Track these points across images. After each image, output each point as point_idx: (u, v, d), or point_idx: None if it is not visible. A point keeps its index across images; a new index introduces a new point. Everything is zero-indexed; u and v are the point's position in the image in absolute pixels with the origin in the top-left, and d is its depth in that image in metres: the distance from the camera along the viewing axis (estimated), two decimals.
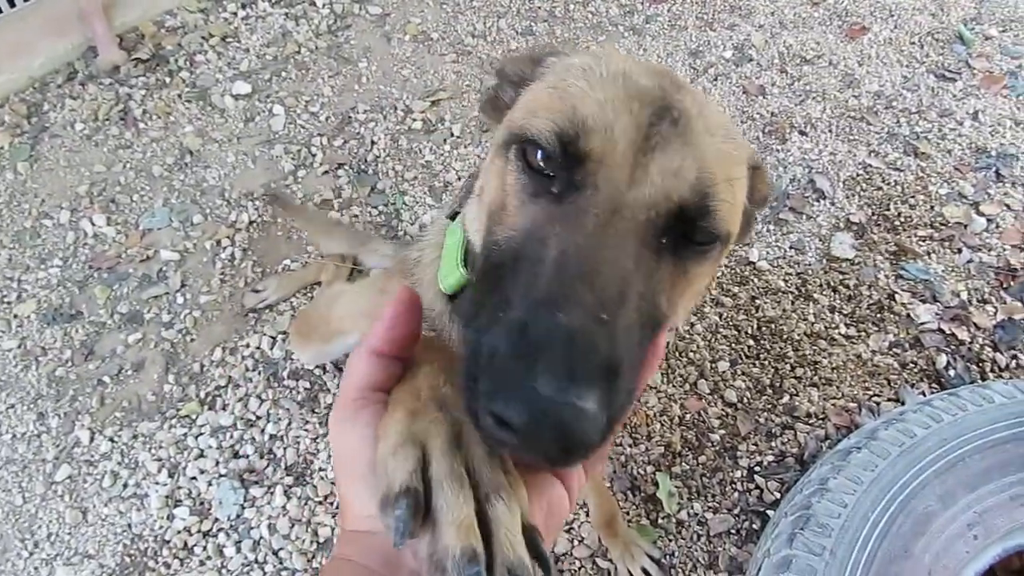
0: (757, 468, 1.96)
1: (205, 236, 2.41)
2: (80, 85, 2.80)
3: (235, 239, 2.40)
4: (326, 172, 2.57)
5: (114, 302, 2.28)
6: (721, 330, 2.20)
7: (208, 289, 2.30)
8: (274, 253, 2.38)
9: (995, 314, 2.19)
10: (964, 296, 2.23)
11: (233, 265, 2.35)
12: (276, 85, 2.83)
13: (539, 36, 3.00)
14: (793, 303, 2.25)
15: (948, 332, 2.16)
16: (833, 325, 2.20)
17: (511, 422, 0.46)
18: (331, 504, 1.93)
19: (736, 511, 1.90)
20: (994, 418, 1.52)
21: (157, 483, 1.97)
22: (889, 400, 2.05)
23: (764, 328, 2.20)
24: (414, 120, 2.72)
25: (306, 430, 2.04)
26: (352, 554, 0.50)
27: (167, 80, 2.83)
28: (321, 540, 1.88)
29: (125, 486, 1.98)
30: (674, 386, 2.09)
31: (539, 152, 0.66)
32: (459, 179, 2.54)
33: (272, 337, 2.20)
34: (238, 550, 1.87)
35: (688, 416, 2.04)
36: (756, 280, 2.30)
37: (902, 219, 2.42)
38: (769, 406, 2.06)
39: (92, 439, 2.05)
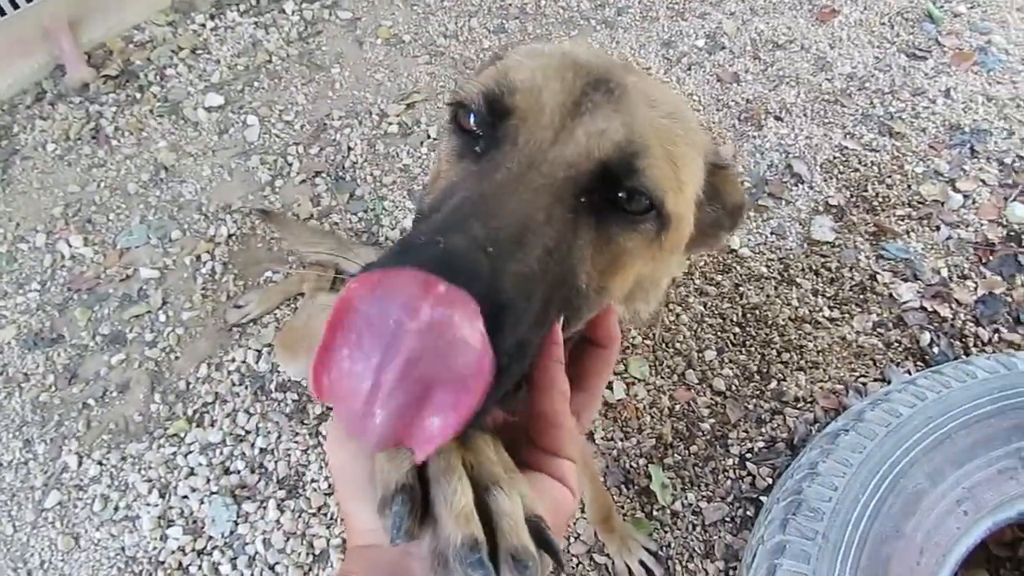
0: (748, 455, 1.97)
1: (184, 252, 2.39)
2: (49, 105, 2.77)
3: (215, 253, 2.38)
4: (304, 181, 2.56)
5: (95, 323, 2.26)
6: (706, 319, 2.20)
7: (190, 305, 2.28)
8: (255, 266, 2.36)
9: (975, 289, 2.21)
10: (944, 273, 2.25)
11: (214, 280, 2.33)
12: (249, 95, 2.80)
13: (511, 33, 2.99)
14: (776, 288, 2.26)
15: (930, 310, 2.18)
16: (817, 308, 2.21)
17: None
18: (325, 515, 1.92)
19: (730, 499, 1.91)
20: (978, 393, 1.53)
21: (148, 504, 1.96)
22: (876, 380, 2.07)
23: (749, 315, 2.21)
24: (390, 124, 2.71)
25: (296, 442, 2.03)
26: (358, 570, 0.50)
27: (138, 96, 2.80)
28: (317, 552, 1.87)
29: (116, 509, 1.96)
30: (662, 377, 2.10)
31: (471, 115, 0.67)
32: None
33: (257, 351, 2.19)
34: (234, 567, 1.86)
35: (678, 407, 2.05)
36: (739, 267, 2.31)
37: (880, 199, 2.44)
38: (757, 392, 2.07)
39: (80, 463, 2.03)
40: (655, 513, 1.90)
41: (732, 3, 3.11)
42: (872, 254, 2.31)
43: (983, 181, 2.45)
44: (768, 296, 2.24)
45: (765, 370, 2.11)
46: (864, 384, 2.06)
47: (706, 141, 0.78)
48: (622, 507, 1.90)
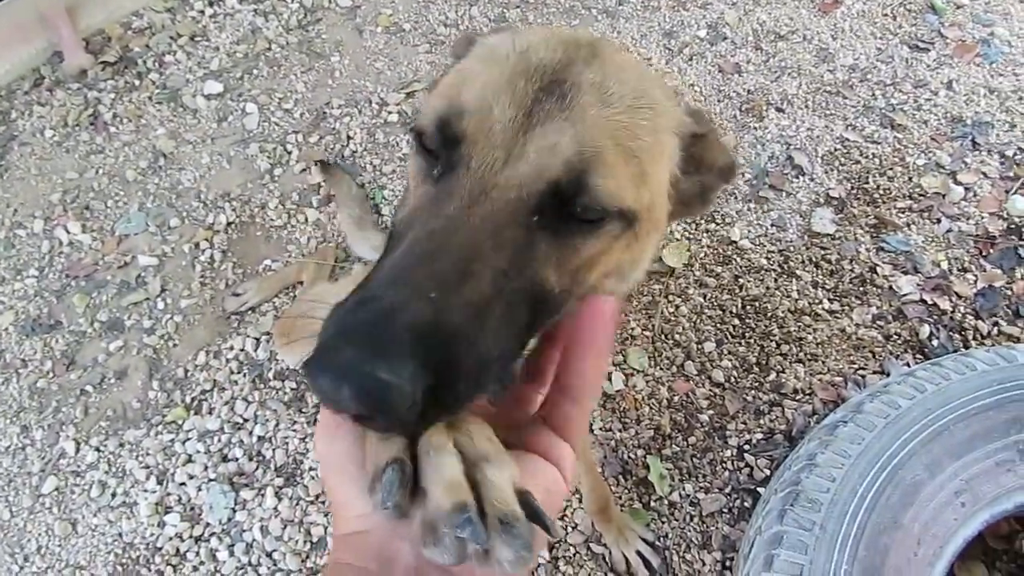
0: (746, 446, 1.97)
1: (183, 239, 2.38)
2: (47, 91, 2.76)
3: (213, 241, 2.37)
4: (303, 170, 2.55)
5: (93, 310, 2.25)
6: (706, 311, 2.20)
7: (189, 293, 2.28)
8: (254, 254, 2.36)
9: (975, 282, 2.21)
10: (944, 266, 2.25)
11: (213, 268, 2.33)
12: (248, 83, 2.79)
13: (512, 23, 2.97)
14: (776, 280, 2.25)
15: (930, 302, 2.18)
16: (816, 300, 2.21)
17: (323, 391, 0.47)
18: (323, 503, 1.92)
19: (727, 490, 1.91)
20: (977, 386, 1.53)
21: (146, 491, 1.96)
22: (875, 373, 2.06)
23: (748, 307, 2.20)
24: (390, 113, 2.70)
25: (294, 430, 2.03)
26: (348, 558, 0.50)
27: (136, 82, 2.78)
28: (314, 540, 1.87)
29: (114, 495, 1.96)
30: (661, 369, 2.10)
31: (427, 137, 0.67)
32: None
33: (256, 339, 2.18)
34: (231, 554, 1.86)
35: (676, 398, 2.05)
36: (739, 259, 2.30)
37: (881, 192, 2.43)
38: (756, 384, 2.07)
39: (78, 449, 2.03)
40: (653, 504, 1.90)
41: None
42: (872, 246, 2.31)
43: (984, 174, 2.44)
44: (768, 288, 2.24)
45: (764, 362, 2.11)
46: (863, 377, 2.06)
47: (677, 116, 0.77)
48: (620, 497, 1.90)
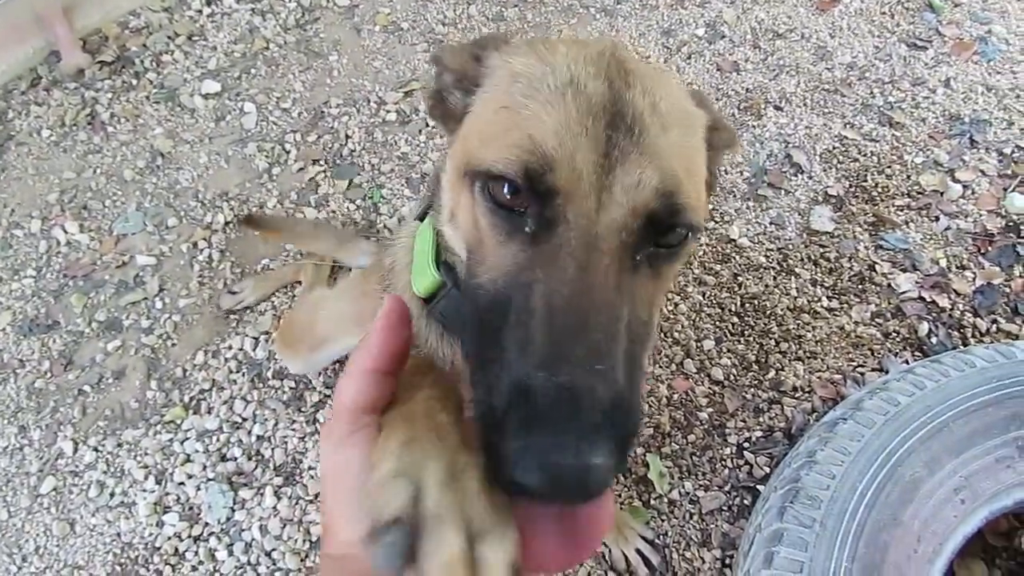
0: (746, 444, 1.97)
1: (181, 239, 2.37)
2: (45, 91, 2.75)
3: (212, 240, 2.37)
4: (301, 169, 2.54)
5: (91, 310, 2.24)
6: (705, 309, 2.20)
7: (187, 292, 2.27)
8: (252, 253, 2.35)
9: (974, 280, 2.21)
10: (943, 263, 2.25)
11: (211, 267, 2.32)
12: (246, 82, 2.78)
13: (510, 21, 2.97)
14: (775, 278, 2.25)
15: (929, 300, 2.18)
16: (815, 298, 2.21)
17: (534, 489, 0.48)
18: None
19: (727, 488, 1.91)
20: (976, 383, 1.53)
21: (144, 490, 1.95)
22: (873, 370, 2.07)
23: (747, 305, 2.20)
24: (388, 112, 2.69)
25: (293, 429, 2.03)
26: None
27: (134, 82, 2.78)
28: (314, 539, 1.87)
29: (112, 495, 1.95)
30: (661, 367, 2.09)
31: (505, 187, 0.65)
32: None
33: (254, 338, 2.18)
34: (230, 553, 1.86)
35: (676, 396, 2.05)
36: (738, 257, 2.30)
37: (879, 189, 2.43)
38: (756, 382, 2.07)
39: (76, 449, 2.02)
40: (652, 502, 1.90)
41: None
42: (871, 244, 2.31)
43: (982, 171, 2.44)
44: (767, 286, 2.24)
45: (763, 360, 2.11)
46: (862, 374, 2.06)
47: (701, 117, 0.79)
48: (619, 495, 1.90)
